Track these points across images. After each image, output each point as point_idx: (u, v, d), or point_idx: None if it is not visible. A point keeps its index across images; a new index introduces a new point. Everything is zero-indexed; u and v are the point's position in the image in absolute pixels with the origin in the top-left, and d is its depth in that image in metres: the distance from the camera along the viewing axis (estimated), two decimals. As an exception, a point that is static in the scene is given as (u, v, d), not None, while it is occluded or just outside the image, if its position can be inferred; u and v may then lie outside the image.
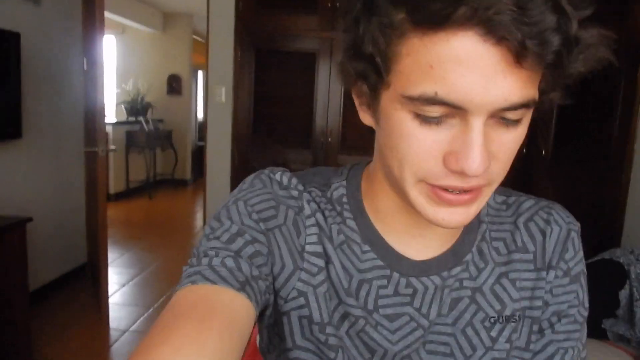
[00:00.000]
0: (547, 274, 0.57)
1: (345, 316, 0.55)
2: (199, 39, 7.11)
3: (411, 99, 0.42)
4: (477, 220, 0.58)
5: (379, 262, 0.55)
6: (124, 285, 3.25)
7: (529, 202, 0.60)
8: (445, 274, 0.56)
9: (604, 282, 1.57)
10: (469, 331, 0.56)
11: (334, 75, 2.66)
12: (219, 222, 0.52)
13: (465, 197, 0.45)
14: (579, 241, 0.59)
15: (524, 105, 0.42)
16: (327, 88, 2.68)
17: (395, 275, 0.55)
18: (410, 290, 0.55)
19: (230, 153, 2.79)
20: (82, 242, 3.31)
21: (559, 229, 0.58)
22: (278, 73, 2.71)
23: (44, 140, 2.86)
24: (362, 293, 0.55)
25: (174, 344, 0.39)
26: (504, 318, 0.56)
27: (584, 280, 0.59)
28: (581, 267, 0.59)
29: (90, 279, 3.18)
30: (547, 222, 0.58)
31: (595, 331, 1.59)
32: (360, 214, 0.57)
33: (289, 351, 0.55)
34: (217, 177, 2.83)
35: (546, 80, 0.43)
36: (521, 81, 0.40)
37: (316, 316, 0.54)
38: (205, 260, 0.48)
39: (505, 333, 0.56)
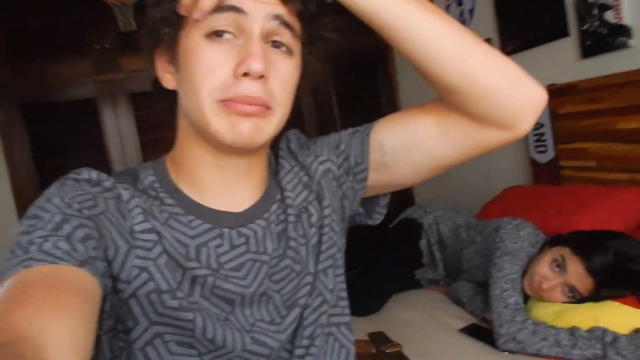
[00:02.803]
0: (305, 161, 0.70)
1: (194, 281, 0.57)
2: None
3: (204, 18, 0.53)
4: (275, 169, 0.70)
5: (208, 225, 0.60)
6: None
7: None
8: (266, 215, 0.64)
9: (406, 238, 1.85)
10: (295, 244, 0.66)
11: (123, 117, 2.55)
12: (36, 218, 0.49)
13: (255, 108, 0.54)
14: (296, 135, 0.74)
15: (288, 26, 0.56)
16: (117, 131, 2.55)
17: (226, 230, 0.61)
18: (243, 239, 0.62)
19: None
20: None
21: (286, 145, 0.72)
22: (58, 125, 2.47)
23: None
24: (203, 257, 0.59)
25: (35, 306, 0.38)
26: (302, 210, 0.67)
27: (327, 138, 0.73)
28: (315, 140, 0.74)
29: None
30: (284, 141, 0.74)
31: (411, 283, 1.86)
32: (175, 192, 0.61)
33: (144, 333, 0.54)
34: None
35: (306, 34, 0.60)
36: (286, 8, 0.56)
37: (163, 285, 0.54)
38: (33, 248, 0.45)
39: (327, 229, 0.68)
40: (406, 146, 0.66)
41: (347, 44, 2.88)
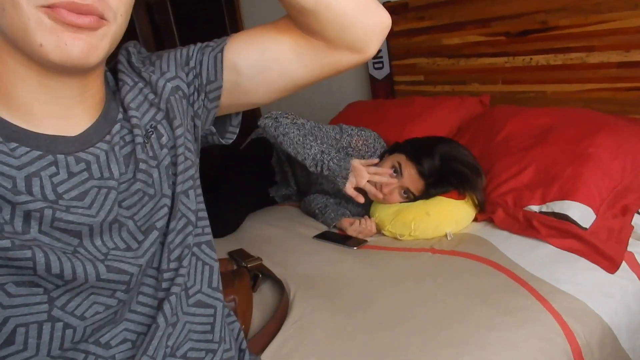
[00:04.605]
0: (150, 78, 0.65)
1: (28, 216, 0.51)
2: None
3: None
4: (115, 86, 0.64)
5: (37, 152, 0.53)
6: None
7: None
8: (108, 137, 0.59)
9: (258, 157, 1.87)
10: (145, 167, 0.61)
11: None
12: None
13: (86, 19, 0.49)
14: (137, 49, 0.68)
15: None
16: None
17: (61, 157, 0.54)
18: (83, 165, 0.56)
19: None
20: None
21: (126, 59, 0.66)
22: None
23: None
24: (36, 188, 0.52)
25: None
26: (150, 131, 0.63)
27: (173, 52, 0.68)
28: (160, 54, 0.69)
29: None
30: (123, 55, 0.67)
31: (266, 201, 1.91)
32: None
33: None
34: None
35: None
36: None
37: None
38: None
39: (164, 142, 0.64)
40: (261, 67, 0.66)
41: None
